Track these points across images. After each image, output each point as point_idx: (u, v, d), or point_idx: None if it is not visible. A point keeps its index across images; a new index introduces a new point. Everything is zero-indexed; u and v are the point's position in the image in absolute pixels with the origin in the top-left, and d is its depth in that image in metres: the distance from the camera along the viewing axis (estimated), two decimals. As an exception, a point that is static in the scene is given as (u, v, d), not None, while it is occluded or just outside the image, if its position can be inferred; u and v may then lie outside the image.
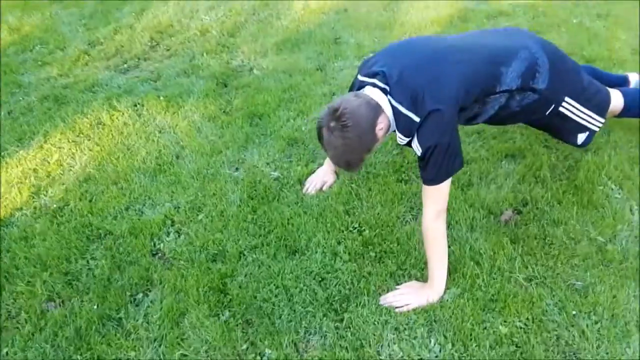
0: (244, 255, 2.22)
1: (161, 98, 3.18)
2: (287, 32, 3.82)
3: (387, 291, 2.05)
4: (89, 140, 2.91)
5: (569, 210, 2.33)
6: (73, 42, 3.94)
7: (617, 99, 2.30)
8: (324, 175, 2.54)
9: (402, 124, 1.90)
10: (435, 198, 1.93)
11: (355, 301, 2.01)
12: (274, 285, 2.07)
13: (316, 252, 2.20)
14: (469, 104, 1.95)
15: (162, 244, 2.29)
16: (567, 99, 2.11)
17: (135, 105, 3.15)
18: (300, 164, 2.66)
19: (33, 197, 2.58)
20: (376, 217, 2.33)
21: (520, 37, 2.12)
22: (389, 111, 1.90)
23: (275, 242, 2.25)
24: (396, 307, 1.98)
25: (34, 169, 2.75)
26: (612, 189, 2.43)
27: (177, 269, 2.16)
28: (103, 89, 3.37)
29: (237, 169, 2.67)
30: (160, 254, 2.25)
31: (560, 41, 3.53)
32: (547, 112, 2.13)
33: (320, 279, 2.10)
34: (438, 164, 1.87)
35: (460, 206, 2.33)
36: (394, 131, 1.97)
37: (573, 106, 2.14)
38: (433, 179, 1.90)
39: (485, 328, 1.91)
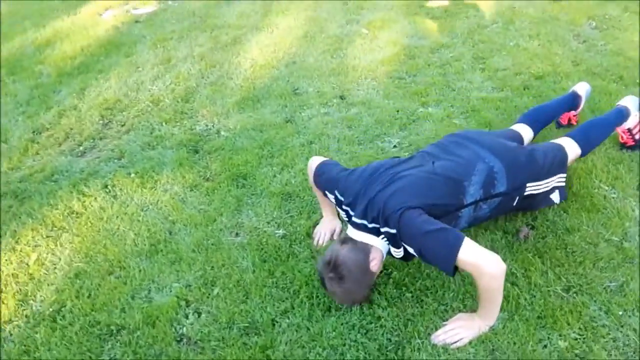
0: (276, 322, 2.10)
1: (132, 175, 3.02)
2: (244, 90, 3.78)
3: (436, 329, 1.99)
4: (66, 232, 2.71)
5: (577, 216, 2.39)
6: (15, 133, 3.70)
7: (572, 150, 2.39)
8: (329, 224, 2.49)
9: (389, 240, 1.96)
10: (471, 264, 1.79)
11: (409, 346, 1.95)
12: (320, 347, 1.98)
13: (342, 303, 2.11)
14: (437, 212, 1.95)
15: (184, 328, 2.13)
16: (527, 185, 2.21)
17: (106, 187, 2.97)
18: (302, 217, 2.59)
19: (22, 305, 2.34)
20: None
21: (474, 148, 2.20)
22: (377, 242, 1.98)
23: (306, 301, 2.14)
24: (451, 344, 1.93)
25: (12, 274, 2.51)
26: (607, 190, 2.52)
27: (211, 351, 2.01)
28: (64, 176, 3.17)
29: (237, 234, 2.56)
30: (185, 339, 2.09)
31: (506, 63, 3.71)
32: (515, 203, 2.22)
33: (365, 331, 2.02)
34: (437, 252, 1.82)
35: (476, 232, 2.34)
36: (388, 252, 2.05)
37: (535, 186, 2.24)
38: (447, 268, 1.80)
39: (545, 346, 1.91)
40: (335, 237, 2.45)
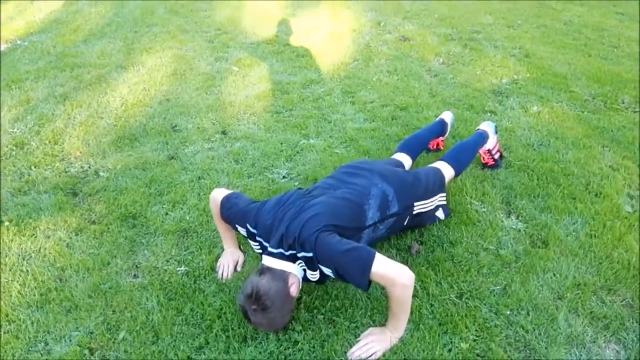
0: (192, 359, 2.08)
1: (6, 224, 2.81)
2: (118, 129, 3.67)
3: (351, 346, 2.10)
4: None
5: (458, 230, 2.66)
6: None
7: (448, 171, 2.71)
8: (232, 255, 2.53)
9: (307, 264, 2.07)
10: (384, 277, 1.93)
11: (328, 365, 2.02)
12: (242, 376, 1.99)
13: (267, 332, 2.16)
14: (346, 236, 2.10)
15: (93, 376, 2.03)
16: (415, 204, 2.48)
17: (-24, 239, 2.73)
18: (203, 252, 2.59)
19: None
20: (304, 283, 2.37)
21: (366, 175, 2.42)
22: (293, 268, 2.08)
23: (221, 334, 2.15)
24: (366, 358, 2.04)
25: None
26: (478, 205, 2.83)
27: (128, 396, 1.94)
28: None
29: (135, 275, 2.49)
30: (96, 387, 1.99)
31: (372, 96, 4.01)
32: (406, 222, 2.48)
33: (284, 357, 2.08)
34: (352, 269, 1.94)
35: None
36: (303, 277, 2.14)
37: (422, 205, 2.51)
38: (361, 283, 1.93)
39: (450, 350, 2.09)
40: (238, 268, 2.48)
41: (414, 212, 2.48)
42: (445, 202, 2.66)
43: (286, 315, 2.07)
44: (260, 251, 2.21)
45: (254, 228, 2.21)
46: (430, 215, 2.60)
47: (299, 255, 2.04)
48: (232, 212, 2.31)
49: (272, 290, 1.97)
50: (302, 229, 2.03)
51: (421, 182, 2.53)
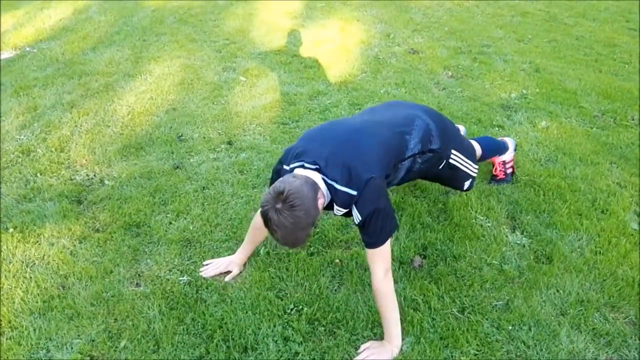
0: (193, 368, 2.07)
1: (11, 230, 2.82)
2: (124, 137, 3.69)
3: (351, 358, 2.09)
4: (-62, 295, 2.45)
5: (462, 244, 2.64)
6: None
7: (477, 148, 2.75)
8: (231, 263, 2.52)
9: (340, 198, 2.03)
10: (381, 258, 2.06)
11: (329, 378, 2.01)
12: (242, 388, 1.97)
13: (268, 343, 2.16)
14: (390, 170, 2.15)
15: (93, 385, 2.02)
16: (453, 151, 2.47)
17: (-19, 245, 2.74)
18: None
19: None
20: (307, 293, 2.38)
21: (410, 109, 2.44)
22: (324, 187, 2.01)
23: (222, 344, 2.15)
24: (366, 371, 2.03)
25: None
26: (482, 220, 2.82)
27: (127, 405, 1.93)
28: None
29: (138, 284, 2.49)
30: (95, 396, 1.98)
31: (379, 107, 3.99)
32: (441, 166, 2.45)
33: (284, 368, 2.06)
34: (378, 228, 2.02)
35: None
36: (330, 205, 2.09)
37: (458, 157, 2.50)
38: (375, 242, 2.04)
39: (450, 364, 2.07)
40: (227, 279, 2.47)
41: (451, 160, 2.47)
42: (475, 175, 2.67)
43: (309, 225, 1.90)
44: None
45: (294, 146, 2.16)
46: (461, 176, 2.59)
47: (338, 186, 2.00)
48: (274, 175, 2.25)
49: (302, 192, 1.86)
50: (356, 163, 2.00)
51: (460, 135, 2.59)
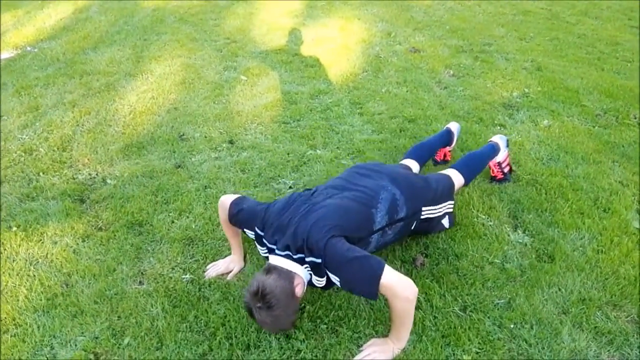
0: (196, 366, 2.08)
1: (14, 229, 2.83)
2: (126, 137, 3.69)
3: (353, 356, 2.09)
4: (-59, 293, 2.46)
5: (463, 243, 2.64)
6: None
7: (457, 179, 2.71)
8: (231, 263, 2.54)
9: (313, 269, 2.06)
10: (396, 289, 1.93)
11: (331, 376, 2.02)
12: (245, 386, 1.98)
13: (270, 340, 2.16)
14: (353, 236, 2.12)
15: (96, 382, 2.03)
16: (423, 209, 2.47)
17: (-16, 243, 2.75)
18: (207, 261, 2.60)
19: None
20: (309, 292, 2.37)
21: (376, 178, 2.41)
22: (300, 270, 2.06)
23: (224, 342, 2.15)
24: (368, 369, 2.03)
25: None
26: (484, 219, 2.82)
27: (130, 403, 1.93)
28: None
29: (141, 282, 2.49)
30: (99, 393, 1.99)
31: (381, 108, 4.01)
32: (413, 227, 2.46)
33: (287, 366, 2.07)
34: (364, 277, 1.93)
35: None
36: (309, 282, 2.13)
37: (430, 210, 2.50)
38: (370, 292, 1.93)
39: (452, 362, 2.07)
40: (229, 277, 2.48)
41: (422, 217, 2.47)
42: (451, 211, 2.65)
43: (291, 315, 2.04)
44: (267, 255, 2.20)
45: (261, 230, 2.21)
46: (437, 222, 2.59)
47: (307, 259, 2.04)
48: (240, 215, 2.31)
49: (278, 289, 1.95)
50: (310, 232, 2.02)
51: (431, 187, 2.52)
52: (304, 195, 2.28)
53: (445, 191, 2.59)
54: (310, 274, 2.09)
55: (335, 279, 2.00)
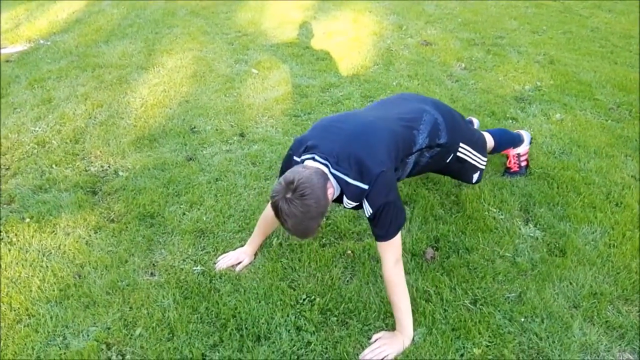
0: (207, 356, 2.11)
1: (27, 220, 2.85)
2: (138, 129, 3.71)
3: (363, 349, 2.10)
4: (-43, 283, 2.49)
5: (474, 237, 2.64)
6: None
7: (489, 140, 2.74)
8: (240, 254, 2.54)
9: (352, 192, 2.05)
10: (391, 249, 2.08)
11: (341, 367, 2.03)
12: (255, 376, 1.99)
13: (281, 332, 2.18)
14: (398, 164, 2.16)
15: (109, 372, 2.05)
16: (461, 144, 2.47)
17: (-2, 234, 2.78)
18: (218, 253, 2.61)
19: None
20: (319, 284, 2.39)
21: (419, 102, 2.44)
22: (333, 181, 2.04)
23: (235, 333, 2.17)
24: (377, 361, 2.04)
25: None
26: (495, 212, 2.81)
27: (142, 392, 1.95)
28: (-55, 225, 2.91)
29: (152, 273, 2.51)
30: (111, 383, 2.01)
31: (391, 99, 3.98)
32: (448, 160, 2.45)
33: (296, 357, 2.09)
34: (389, 221, 2.04)
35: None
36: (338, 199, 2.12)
37: (467, 150, 2.50)
38: (386, 235, 2.06)
39: (462, 355, 2.09)
40: (238, 269, 2.49)
41: (458, 153, 2.48)
42: (484, 168, 2.68)
43: (319, 215, 1.91)
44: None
45: (305, 136, 2.18)
46: (469, 169, 2.60)
47: (349, 180, 2.02)
48: (280, 171, 2.29)
49: (312, 182, 1.88)
50: (369, 156, 2.02)
51: (469, 128, 2.58)
52: (353, 117, 2.28)
53: (481, 141, 2.64)
54: (343, 194, 2.07)
55: (368, 210, 2.04)
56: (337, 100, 4.00)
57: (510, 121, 3.70)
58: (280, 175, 2.22)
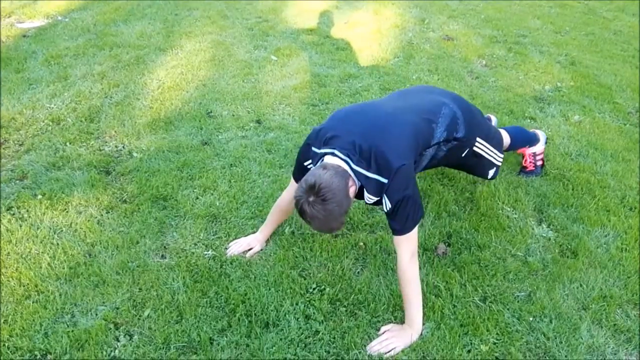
0: (214, 340, 2.11)
1: (39, 197, 2.86)
2: (154, 111, 3.71)
3: (371, 340, 2.10)
4: (-32, 256, 2.51)
5: (487, 234, 2.62)
6: None
7: (505, 137, 2.71)
8: (251, 241, 2.53)
9: (372, 186, 2.04)
10: (408, 243, 2.07)
11: (347, 357, 2.05)
12: (261, 363, 2.00)
13: (289, 320, 2.18)
14: (417, 157, 2.15)
15: (116, 351, 2.07)
16: (478, 139, 2.44)
17: (10, 209, 2.79)
18: (230, 238, 2.61)
19: None
20: (330, 274, 2.39)
21: (438, 95, 2.42)
22: (353, 176, 2.03)
23: (244, 319, 2.17)
24: (385, 353, 2.05)
25: None
26: (509, 211, 2.80)
27: (148, 373, 1.96)
28: (-42, 198, 2.93)
29: (163, 256, 2.52)
30: (119, 362, 2.02)
31: (409, 93, 3.95)
32: (464, 154, 2.43)
33: (304, 345, 2.10)
34: (407, 215, 2.03)
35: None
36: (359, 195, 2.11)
37: (483, 145, 2.47)
38: (403, 229, 2.05)
39: (469, 351, 2.09)
40: (248, 255, 2.49)
41: (475, 148, 2.46)
42: (500, 164, 2.66)
43: (342, 214, 1.94)
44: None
45: (324, 127, 2.16)
46: (486, 165, 2.59)
47: (368, 174, 2.02)
48: (296, 160, 2.28)
49: (333, 185, 1.89)
50: (390, 150, 2.01)
51: (486, 124, 2.57)
52: (372, 108, 2.26)
53: (498, 137, 2.62)
54: (364, 189, 2.07)
55: (387, 204, 2.04)
56: (355, 91, 3.98)
57: (529, 120, 3.66)
58: (296, 165, 2.23)
